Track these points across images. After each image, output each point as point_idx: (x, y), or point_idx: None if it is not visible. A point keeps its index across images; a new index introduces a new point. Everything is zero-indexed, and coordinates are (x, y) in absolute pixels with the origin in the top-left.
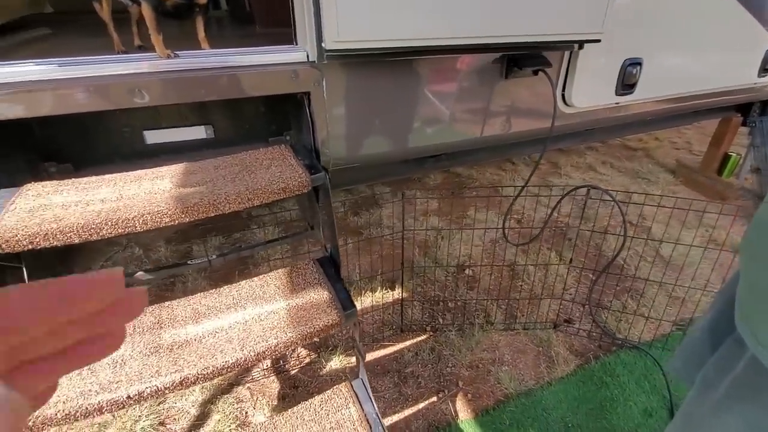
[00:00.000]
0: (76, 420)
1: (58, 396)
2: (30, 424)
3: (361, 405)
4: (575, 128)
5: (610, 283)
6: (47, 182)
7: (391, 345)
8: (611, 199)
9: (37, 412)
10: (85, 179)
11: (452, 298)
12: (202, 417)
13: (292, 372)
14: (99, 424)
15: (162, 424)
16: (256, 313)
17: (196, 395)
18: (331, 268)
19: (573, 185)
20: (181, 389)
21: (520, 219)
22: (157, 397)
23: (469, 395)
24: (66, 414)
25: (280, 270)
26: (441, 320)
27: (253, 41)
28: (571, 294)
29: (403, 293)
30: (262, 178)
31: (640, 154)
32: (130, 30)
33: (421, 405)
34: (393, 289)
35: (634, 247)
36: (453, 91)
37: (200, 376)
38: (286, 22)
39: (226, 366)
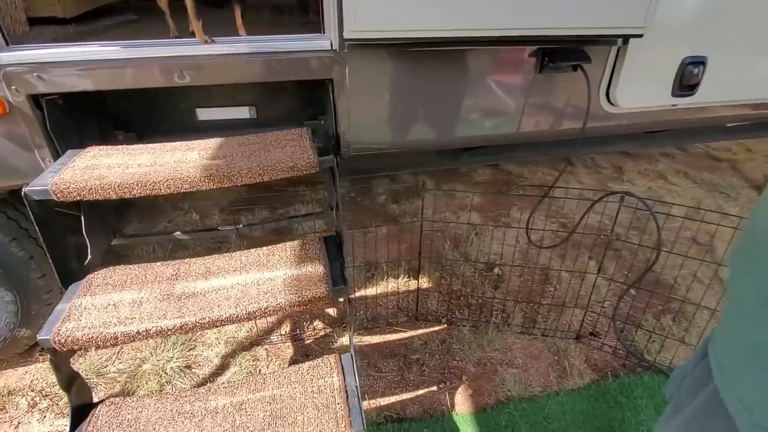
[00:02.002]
0: (97, 345)
1: (86, 322)
2: (62, 339)
3: (344, 376)
4: (625, 130)
5: (655, 302)
6: (103, 147)
7: (403, 331)
8: (647, 208)
9: (68, 332)
10: (131, 146)
11: (474, 294)
12: (221, 367)
13: (307, 342)
14: (140, 359)
15: (188, 367)
16: (256, 278)
17: (221, 348)
18: (333, 247)
19: (633, 193)
20: (182, 333)
21: (567, 223)
22: (159, 336)
23: (470, 390)
24: (89, 338)
25: (288, 243)
26: (458, 314)
27: (301, 30)
28: (604, 307)
29: (421, 282)
30: (275, 156)
31: (725, 166)
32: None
33: (420, 391)
34: (416, 278)
35: (690, 266)
36: (479, 83)
37: (197, 325)
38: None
39: (220, 319)
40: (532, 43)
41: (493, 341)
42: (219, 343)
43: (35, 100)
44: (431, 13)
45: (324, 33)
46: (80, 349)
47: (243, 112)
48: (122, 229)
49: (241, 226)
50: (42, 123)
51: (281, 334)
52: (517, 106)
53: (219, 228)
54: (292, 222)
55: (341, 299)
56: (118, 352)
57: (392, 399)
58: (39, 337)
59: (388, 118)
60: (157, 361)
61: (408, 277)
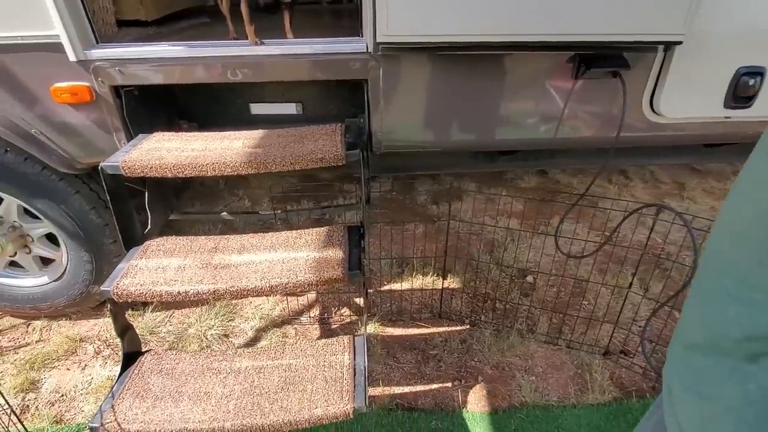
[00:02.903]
0: (145, 300)
1: (139, 280)
2: (119, 292)
3: (354, 356)
4: (673, 141)
5: None
6: (167, 133)
7: (425, 327)
8: (684, 224)
9: (124, 287)
10: (189, 134)
11: (501, 299)
12: (254, 339)
13: (333, 326)
14: (186, 324)
15: (226, 335)
16: (282, 256)
17: (255, 322)
18: (355, 236)
19: (690, 213)
20: (214, 298)
21: (616, 238)
22: (195, 298)
23: (484, 391)
24: (140, 293)
25: (315, 229)
26: (482, 317)
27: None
28: (639, 326)
29: (449, 282)
30: (306, 148)
31: None
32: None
33: (434, 385)
34: (445, 277)
35: None
36: (510, 87)
37: (227, 292)
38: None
39: (246, 289)
40: (566, 49)
41: (515, 347)
42: (255, 318)
43: (116, 90)
44: (461, 18)
45: (361, 36)
46: (133, 301)
47: (290, 108)
48: (179, 206)
49: (279, 212)
50: (120, 110)
51: (310, 317)
52: (552, 112)
53: (259, 212)
54: (326, 212)
55: (357, 284)
56: (169, 316)
57: (406, 389)
58: (102, 288)
59: (419, 118)
60: (200, 327)
61: (436, 276)
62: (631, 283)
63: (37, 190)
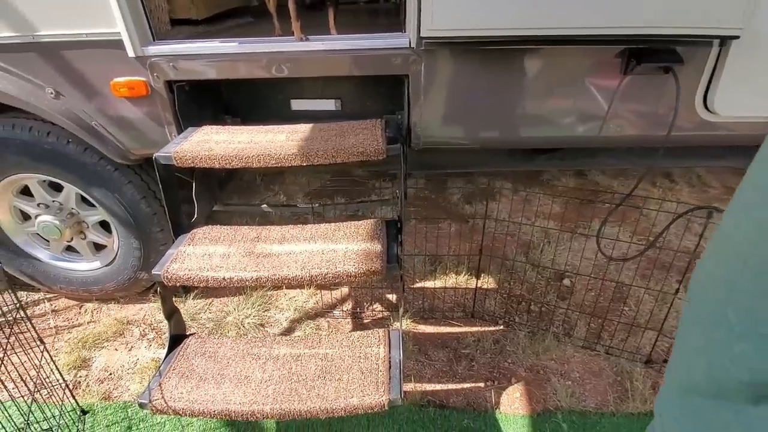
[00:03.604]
0: (192, 283)
1: (187, 265)
2: (169, 276)
3: (390, 349)
4: (727, 141)
5: None
6: (215, 126)
7: (458, 325)
8: None
9: (174, 271)
10: (236, 127)
11: (537, 301)
12: (288, 329)
13: (365, 321)
14: (225, 311)
15: (262, 325)
16: (321, 247)
17: (290, 313)
18: (393, 230)
19: (720, 208)
20: (256, 284)
21: (662, 243)
22: (238, 284)
23: (518, 393)
24: (188, 277)
25: (353, 222)
26: (516, 318)
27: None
28: None
29: (483, 282)
30: (348, 142)
31: None
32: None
33: (466, 385)
34: (478, 277)
35: None
36: (555, 82)
37: (269, 279)
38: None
39: (287, 278)
40: (616, 43)
41: (550, 350)
42: (289, 309)
43: (169, 85)
44: (507, 12)
45: (404, 32)
46: (181, 285)
47: (330, 105)
48: (223, 198)
49: (316, 205)
50: (172, 105)
51: (343, 311)
52: (597, 109)
53: (297, 205)
54: (362, 207)
55: (394, 277)
56: (209, 304)
57: (438, 386)
58: (153, 271)
59: (459, 114)
60: (238, 315)
61: (469, 275)
62: (677, 290)
63: (94, 179)
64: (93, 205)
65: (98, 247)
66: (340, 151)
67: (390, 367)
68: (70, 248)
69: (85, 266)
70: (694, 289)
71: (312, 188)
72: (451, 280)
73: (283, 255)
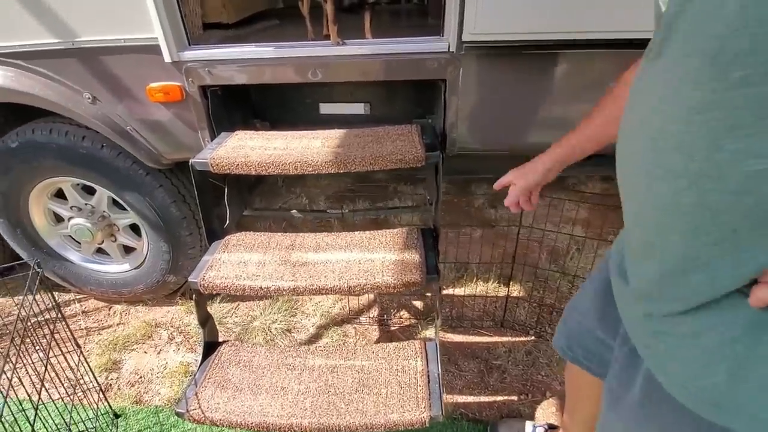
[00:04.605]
0: (229, 292)
1: (223, 273)
2: (206, 284)
3: (427, 362)
4: None
5: None
6: (248, 131)
7: (488, 335)
8: None
9: (210, 279)
10: (269, 132)
11: None
12: (315, 336)
13: (392, 328)
14: (251, 316)
15: (289, 330)
16: (358, 257)
17: (317, 319)
18: (430, 239)
19: None
20: (294, 294)
21: None
22: (276, 294)
23: (553, 408)
24: (225, 286)
25: (388, 230)
26: (548, 329)
27: (420, 32)
28: None
29: (514, 291)
30: (385, 148)
31: None
32: (322, 21)
33: (499, 398)
34: (505, 284)
35: None
36: (595, 88)
37: (306, 289)
38: None
39: (325, 288)
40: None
41: None
42: (316, 315)
43: (203, 90)
44: (551, 14)
45: (443, 36)
46: (218, 293)
47: (359, 109)
48: (252, 203)
49: (347, 210)
50: (206, 109)
51: (370, 317)
52: None
53: (327, 211)
54: (390, 213)
55: (432, 289)
56: (235, 308)
57: (470, 398)
58: (190, 279)
59: (496, 120)
60: (265, 320)
61: (498, 283)
62: None
63: (126, 182)
64: (124, 209)
65: (128, 250)
66: (378, 159)
67: (429, 382)
68: (100, 250)
69: (115, 268)
70: None
71: (333, 191)
72: (479, 288)
73: (320, 264)
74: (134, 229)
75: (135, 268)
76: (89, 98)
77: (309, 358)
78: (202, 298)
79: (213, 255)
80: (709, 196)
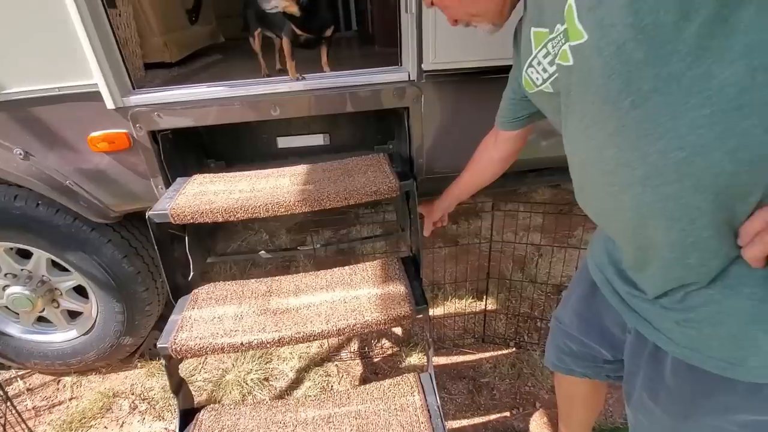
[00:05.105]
0: (206, 354)
1: (197, 333)
2: (178, 347)
3: (425, 395)
4: None
5: None
6: (207, 174)
7: (471, 353)
8: None
9: (183, 341)
10: (230, 174)
11: (542, 317)
12: (296, 381)
13: (375, 360)
14: (222, 369)
15: (266, 380)
16: (342, 295)
17: (295, 362)
18: (412, 267)
19: None
20: (279, 346)
21: None
22: (260, 348)
23: (545, 418)
24: (201, 347)
25: (368, 263)
26: (526, 338)
27: (371, 61)
28: None
29: (489, 304)
30: (358, 181)
31: None
32: (274, 56)
33: (492, 416)
34: (480, 299)
35: None
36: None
37: (293, 338)
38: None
39: (313, 334)
40: None
41: None
42: (293, 358)
43: (153, 135)
44: (503, 42)
45: (401, 66)
46: (192, 357)
47: (318, 140)
48: (215, 248)
49: (318, 245)
50: (158, 155)
51: (351, 352)
52: None
53: (298, 248)
54: (358, 243)
55: (422, 319)
56: (203, 362)
57: (464, 422)
58: (159, 344)
59: (460, 141)
60: (239, 372)
61: (473, 299)
62: None
63: (68, 242)
64: (66, 270)
65: (73, 315)
66: (352, 193)
67: (430, 416)
68: (42, 319)
69: (61, 337)
70: None
71: (294, 223)
72: (455, 306)
73: (303, 309)
74: (79, 290)
75: (84, 334)
76: (20, 154)
77: (300, 412)
78: (173, 363)
79: (182, 313)
80: (661, 189)
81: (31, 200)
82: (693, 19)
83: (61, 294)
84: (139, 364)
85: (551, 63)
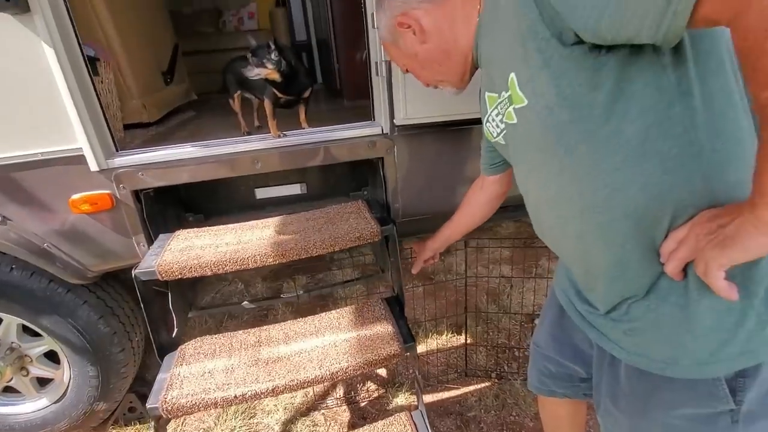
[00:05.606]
0: (199, 410)
1: (188, 390)
2: (169, 407)
3: None
4: None
5: None
6: (192, 229)
7: (455, 388)
8: None
9: (174, 400)
10: (215, 228)
11: (519, 346)
12: None
13: (362, 404)
14: (203, 429)
15: None
16: (332, 339)
17: (280, 414)
18: (396, 307)
19: None
20: (273, 395)
21: None
22: (254, 399)
23: None
24: (193, 404)
25: (353, 306)
26: (506, 368)
27: (341, 114)
28: None
29: (468, 338)
30: (342, 228)
31: None
32: (252, 113)
33: None
34: (459, 333)
35: None
36: None
37: (287, 387)
38: (367, 96)
39: (307, 380)
40: None
41: None
42: (278, 410)
43: (136, 194)
44: (466, 100)
45: (375, 120)
46: (184, 415)
47: (295, 189)
48: (196, 302)
49: (301, 292)
50: (140, 213)
51: (336, 398)
52: None
53: (281, 296)
54: (339, 287)
55: (411, 356)
56: (181, 423)
57: None
58: (148, 405)
59: (431, 186)
60: (222, 430)
61: (452, 333)
62: None
63: (42, 305)
64: (37, 335)
65: (42, 382)
66: (337, 240)
67: None
68: (8, 389)
69: (30, 407)
70: None
71: (269, 271)
72: (435, 343)
73: (294, 356)
74: (49, 356)
75: (55, 402)
76: None
77: None
78: (161, 424)
79: (170, 371)
80: (596, 219)
81: (5, 264)
82: (601, 90)
83: (32, 361)
84: (111, 430)
85: (501, 121)
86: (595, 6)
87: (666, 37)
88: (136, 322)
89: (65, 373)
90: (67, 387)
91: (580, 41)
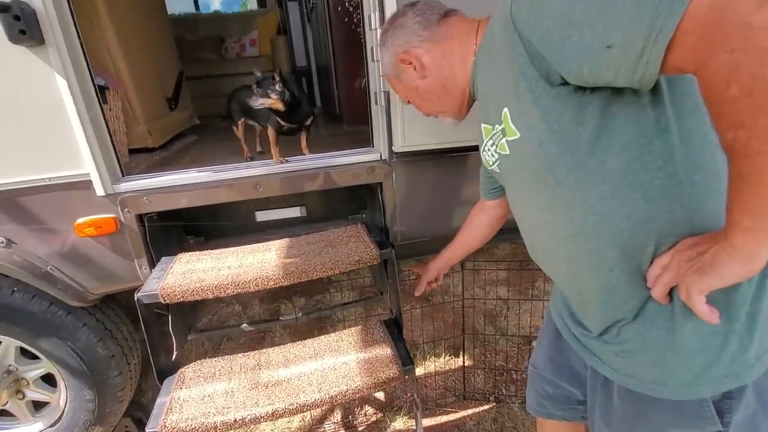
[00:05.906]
0: None
1: (188, 414)
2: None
3: None
4: None
5: None
6: (194, 252)
7: (454, 412)
8: None
9: (173, 424)
10: (217, 251)
11: (516, 369)
12: None
13: (360, 428)
14: None
15: None
16: (331, 363)
17: None
18: (395, 329)
19: None
20: (273, 419)
21: None
22: (254, 423)
23: None
24: (192, 428)
25: (352, 328)
26: (504, 391)
27: (341, 139)
28: None
29: (466, 361)
30: (342, 251)
31: None
32: (254, 139)
33: None
34: (456, 355)
35: None
36: None
37: (287, 410)
38: (365, 121)
39: (307, 404)
40: None
41: None
42: None
43: (140, 218)
44: (462, 128)
45: (374, 147)
46: None
47: (295, 212)
48: (195, 324)
49: (300, 314)
50: (144, 237)
51: (334, 422)
52: None
53: (280, 318)
54: (339, 309)
55: (410, 379)
56: None
57: None
58: (147, 430)
59: (429, 211)
60: None
61: (450, 356)
62: None
63: (42, 328)
64: (35, 358)
65: (38, 405)
66: (338, 263)
67: None
68: (2, 412)
69: (25, 431)
70: None
71: (266, 292)
72: (433, 365)
73: (294, 379)
74: (46, 379)
75: (50, 426)
76: (2, 242)
77: None
78: None
79: (170, 395)
80: (585, 245)
81: (7, 287)
82: (586, 125)
83: (28, 384)
84: None
85: (495, 151)
86: (576, 56)
87: (641, 83)
88: (134, 345)
89: (62, 397)
90: (63, 411)
91: (566, 82)
